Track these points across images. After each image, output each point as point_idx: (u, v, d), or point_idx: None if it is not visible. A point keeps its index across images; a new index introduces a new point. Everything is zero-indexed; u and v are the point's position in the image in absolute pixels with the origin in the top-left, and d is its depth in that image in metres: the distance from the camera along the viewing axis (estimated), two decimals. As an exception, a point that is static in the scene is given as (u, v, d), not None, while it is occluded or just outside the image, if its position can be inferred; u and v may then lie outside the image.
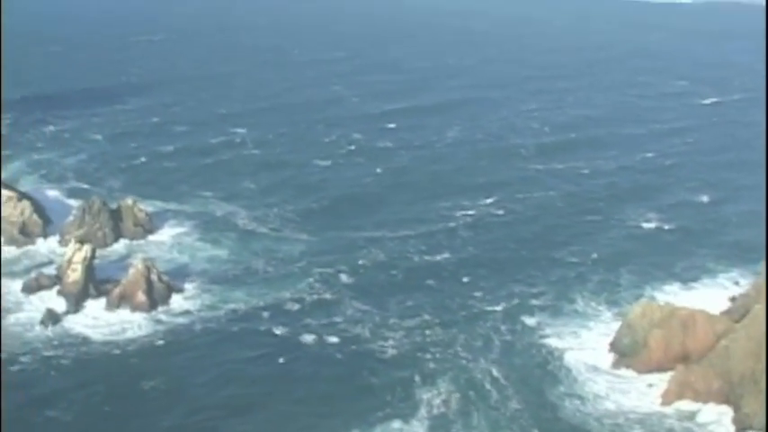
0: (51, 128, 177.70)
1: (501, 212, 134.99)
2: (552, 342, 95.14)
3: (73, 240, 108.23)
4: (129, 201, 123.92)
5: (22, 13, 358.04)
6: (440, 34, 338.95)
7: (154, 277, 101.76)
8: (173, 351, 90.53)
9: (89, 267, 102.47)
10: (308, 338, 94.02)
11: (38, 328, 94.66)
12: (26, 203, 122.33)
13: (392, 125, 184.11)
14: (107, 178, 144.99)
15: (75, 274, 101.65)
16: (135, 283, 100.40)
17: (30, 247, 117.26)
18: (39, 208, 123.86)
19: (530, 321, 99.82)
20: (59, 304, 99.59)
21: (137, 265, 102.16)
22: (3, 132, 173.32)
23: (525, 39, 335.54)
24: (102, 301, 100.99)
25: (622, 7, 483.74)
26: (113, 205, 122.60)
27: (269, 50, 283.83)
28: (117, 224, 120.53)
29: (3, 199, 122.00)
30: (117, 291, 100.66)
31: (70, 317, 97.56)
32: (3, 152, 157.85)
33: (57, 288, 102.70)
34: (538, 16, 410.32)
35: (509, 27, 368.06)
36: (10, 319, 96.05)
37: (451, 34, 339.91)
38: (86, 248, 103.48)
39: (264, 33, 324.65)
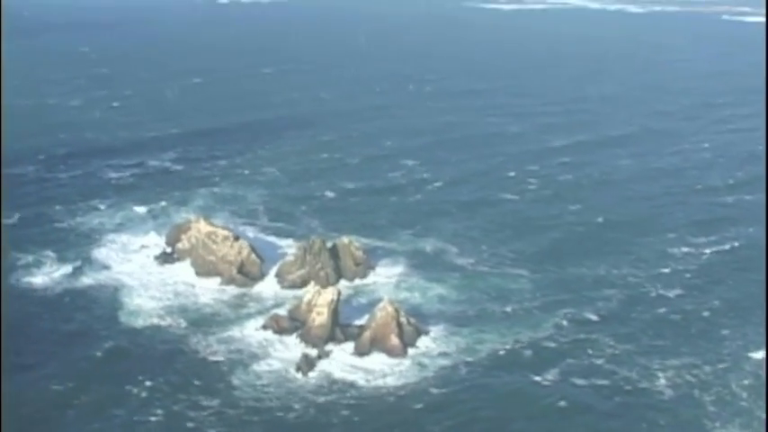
0: (223, 162, 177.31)
1: (719, 249, 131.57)
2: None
3: (312, 283, 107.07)
4: (346, 239, 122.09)
5: (156, 44, 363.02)
6: (568, 61, 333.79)
7: (403, 319, 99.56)
8: (453, 401, 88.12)
9: (335, 311, 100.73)
10: (580, 382, 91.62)
11: (294, 373, 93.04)
12: (243, 243, 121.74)
13: (566, 159, 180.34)
14: (301, 216, 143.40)
15: (321, 318, 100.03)
16: (386, 326, 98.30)
17: (248, 289, 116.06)
18: (254, 247, 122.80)
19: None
20: (306, 348, 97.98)
21: (386, 307, 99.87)
22: (173, 167, 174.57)
23: (664, 66, 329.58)
24: (349, 345, 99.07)
25: (733, 28, 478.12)
26: (328, 244, 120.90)
27: (406, 80, 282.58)
28: (337, 264, 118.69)
29: (219, 238, 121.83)
30: (367, 334, 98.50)
31: (323, 362, 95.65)
32: (186, 187, 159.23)
33: (299, 332, 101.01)
34: (656, 41, 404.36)
35: (636, 52, 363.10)
36: (264, 365, 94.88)
37: (579, 61, 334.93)
38: (332, 291, 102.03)
39: (393, 63, 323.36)
